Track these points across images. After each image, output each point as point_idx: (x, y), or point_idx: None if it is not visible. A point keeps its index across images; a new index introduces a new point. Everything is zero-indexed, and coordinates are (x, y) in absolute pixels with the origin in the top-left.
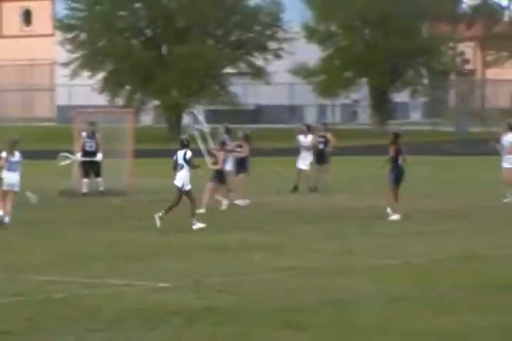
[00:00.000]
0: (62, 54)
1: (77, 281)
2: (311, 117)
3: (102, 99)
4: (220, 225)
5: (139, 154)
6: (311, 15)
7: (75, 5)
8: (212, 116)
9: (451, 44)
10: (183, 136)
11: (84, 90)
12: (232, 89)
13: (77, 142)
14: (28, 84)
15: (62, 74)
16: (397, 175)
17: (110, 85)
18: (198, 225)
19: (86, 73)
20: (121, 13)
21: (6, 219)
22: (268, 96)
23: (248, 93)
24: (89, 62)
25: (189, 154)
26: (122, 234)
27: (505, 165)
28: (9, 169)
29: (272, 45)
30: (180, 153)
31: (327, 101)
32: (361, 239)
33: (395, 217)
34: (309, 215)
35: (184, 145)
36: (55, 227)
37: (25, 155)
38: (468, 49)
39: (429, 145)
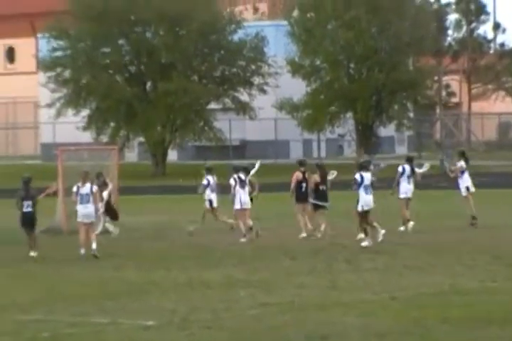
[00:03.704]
0: (45, 93)
1: (62, 320)
2: (296, 152)
3: (87, 136)
4: (205, 262)
5: (123, 191)
6: (296, 50)
7: (58, 42)
8: (198, 153)
9: (436, 77)
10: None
11: (69, 127)
12: (217, 124)
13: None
14: (12, 122)
15: (46, 112)
16: None
17: (95, 122)
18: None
19: (70, 111)
20: (105, 49)
21: (94, 246)
22: (253, 131)
23: (233, 128)
24: (73, 100)
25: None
26: (107, 272)
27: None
28: (81, 202)
29: (257, 79)
30: (367, 176)
31: (312, 136)
32: (347, 274)
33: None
34: (295, 251)
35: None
36: (40, 266)
37: (11, 193)
38: (453, 82)
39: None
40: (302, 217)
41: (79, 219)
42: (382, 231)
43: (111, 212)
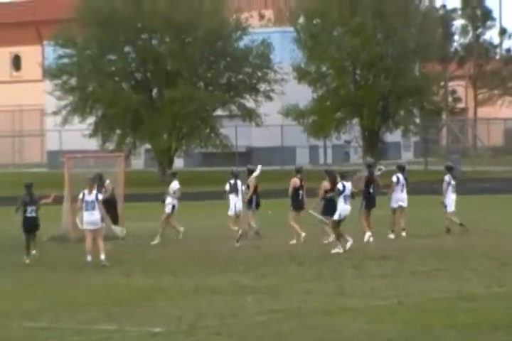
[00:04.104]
0: (51, 101)
1: (69, 327)
2: (303, 159)
3: (93, 144)
4: (212, 268)
5: (130, 198)
6: (302, 57)
7: (64, 50)
8: (204, 160)
9: (442, 83)
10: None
11: (75, 135)
12: (223, 131)
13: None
14: (18, 129)
15: (52, 119)
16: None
17: (101, 130)
18: None
19: (76, 118)
20: (111, 56)
21: (102, 257)
22: (259, 138)
23: (239, 135)
24: (80, 107)
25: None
26: (113, 279)
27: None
28: (86, 209)
29: (263, 86)
30: (348, 185)
31: (319, 142)
32: (354, 280)
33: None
34: (301, 256)
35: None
36: (47, 273)
37: (15, 201)
38: (459, 88)
39: (420, 185)
40: (296, 223)
41: (84, 227)
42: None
43: (113, 215)
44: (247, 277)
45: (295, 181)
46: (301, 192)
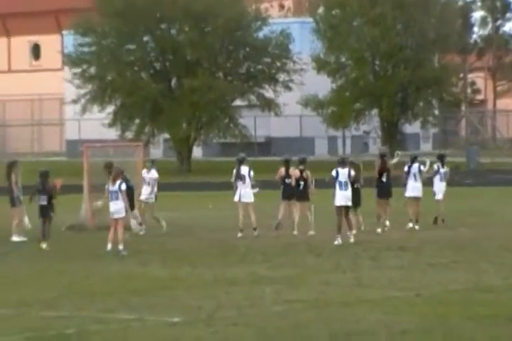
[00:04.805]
0: (70, 90)
1: (87, 316)
2: (321, 149)
3: (112, 133)
4: (229, 258)
5: None
6: (321, 47)
7: (83, 39)
8: (223, 149)
9: (461, 74)
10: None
11: (94, 124)
12: (242, 121)
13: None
14: (38, 118)
15: (71, 108)
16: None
17: (120, 119)
18: None
19: (95, 107)
20: (130, 46)
21: (120, 247)
22: (278, 128)
23: (258, 125)
24: (99, 96)
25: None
26: (132, 268)
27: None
28: (111, 198)
29: (282, 76)
30: (343, 172)
31: (337, 132)
32: (372, 271)
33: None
34: (319, 247)
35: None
36: (65, 262)
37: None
38: (479, 79)
39: None
40: (297, 215)
41: (110, 216)
42: (354, 232)
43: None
44: (265, 267)
45: (295, 172)
46: (301, 182)
